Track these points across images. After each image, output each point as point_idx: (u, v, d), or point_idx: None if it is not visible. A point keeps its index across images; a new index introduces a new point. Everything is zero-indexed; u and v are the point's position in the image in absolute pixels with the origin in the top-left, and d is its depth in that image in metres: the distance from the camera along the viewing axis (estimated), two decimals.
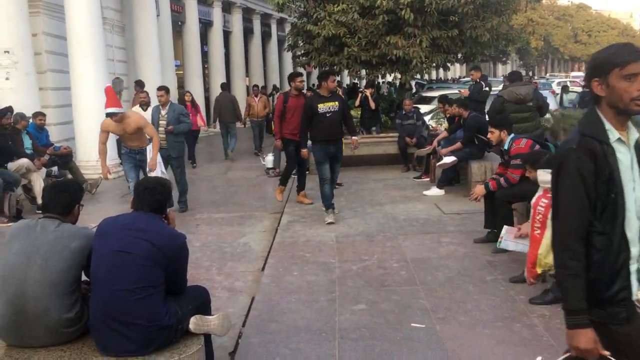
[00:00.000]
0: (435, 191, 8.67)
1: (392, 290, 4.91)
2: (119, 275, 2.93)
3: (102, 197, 9.57)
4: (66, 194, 3.24)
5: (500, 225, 5.85)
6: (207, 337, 3.29)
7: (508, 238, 4.81)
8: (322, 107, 7.18)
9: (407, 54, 14.37)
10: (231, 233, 7.12)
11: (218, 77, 22.30)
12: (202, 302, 3.32)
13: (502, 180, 5.89)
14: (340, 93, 11.26)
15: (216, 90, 21.61)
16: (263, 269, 5.75)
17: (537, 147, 5.90)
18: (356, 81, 25.47)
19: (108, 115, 7.38)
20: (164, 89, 8.30)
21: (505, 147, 5.99)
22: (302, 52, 16.92)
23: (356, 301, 4.69)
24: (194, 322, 3.13)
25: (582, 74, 45.63)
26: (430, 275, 5.25)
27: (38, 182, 8.61)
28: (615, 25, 73.35)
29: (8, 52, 10.17)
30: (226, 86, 16.37)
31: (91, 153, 11.37)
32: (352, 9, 14.21)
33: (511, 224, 5.79)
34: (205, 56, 22.40)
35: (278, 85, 25.47)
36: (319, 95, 7.40)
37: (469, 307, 4.47)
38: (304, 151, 7.62)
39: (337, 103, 7.25)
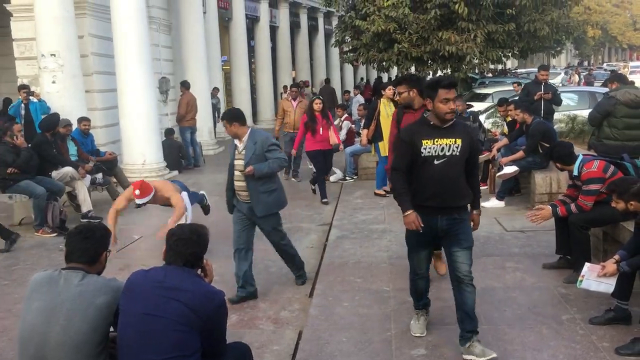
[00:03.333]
0: (494, 203, 8.06)
1: (455, 329, 4.39)
2: (148, 342, 2.56)
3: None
4: (92, 241, 2.89)
5: (575, 251, 5.28)
6: None
7: (590, 277, 4.20)
8: (429, 147, 3.88)
9: (461, 50, 13.81)
10: None
11: (265, 72, 22.11)
12: None
13: (572, 206, 5.19)
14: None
15: (262, 85, 21.72)
16: (311, 294, 5.34)
17: (612, 168, 5.20)
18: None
19: (140, 206, 6.41)
20: (236, 119, 5.08)
21: (575, 172, 5.28)
22: (350, 47, 16.48)
23: (415, 344, 4.22)
24: None
25: None
26: (496, 311, 4.71)
27: (82, 191, 8.43)
28: None
29: (54, 55, 10.04)
30: (328, 80, 19.00)
31: (137, 156, 11.25)
32: (403, 4, 13.72)
33: (588, 251, 5.20)
34: (252, 51, 22.18)
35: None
36: (426, 122, 3.97)
37: (545, 357, 3.94)
38: (409, 214, 3.92)
39: (459, 141, 3.89)
